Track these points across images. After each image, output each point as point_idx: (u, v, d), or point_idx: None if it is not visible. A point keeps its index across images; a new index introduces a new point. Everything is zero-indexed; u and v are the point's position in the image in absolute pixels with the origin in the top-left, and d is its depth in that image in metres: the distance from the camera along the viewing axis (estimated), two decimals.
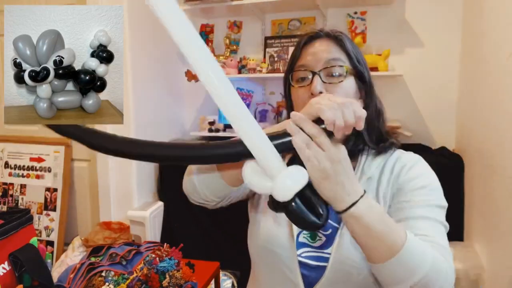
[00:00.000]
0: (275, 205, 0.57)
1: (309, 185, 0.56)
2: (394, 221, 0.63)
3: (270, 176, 0.54)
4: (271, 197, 0.56)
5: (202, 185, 0.75)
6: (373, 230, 0.59)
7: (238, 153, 0.54)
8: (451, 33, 2.20)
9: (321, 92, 0.76)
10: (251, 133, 0.52)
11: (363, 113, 0.56)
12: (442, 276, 0.62)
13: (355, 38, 2.20)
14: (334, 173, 0.56)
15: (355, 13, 2.33)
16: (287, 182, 0.53)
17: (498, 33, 1.59)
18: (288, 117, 0.87)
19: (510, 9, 1.47)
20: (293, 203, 0.54)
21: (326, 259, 0.78)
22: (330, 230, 0.80)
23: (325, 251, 0.79)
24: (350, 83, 0.79)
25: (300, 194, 0.54)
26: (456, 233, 1.96)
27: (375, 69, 2.12)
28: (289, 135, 0.55)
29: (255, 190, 0.56)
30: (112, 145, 0.53)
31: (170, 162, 0.54)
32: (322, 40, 0.82)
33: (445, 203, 0.75)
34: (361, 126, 0.56)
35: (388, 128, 0.86)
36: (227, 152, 0.54)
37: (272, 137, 0.55)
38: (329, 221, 0.80)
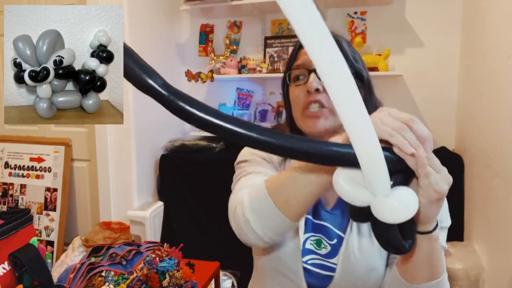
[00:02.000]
0: (361, 215, 0.52)
1: None
2: None
3: (374, 193, 0.48)
4: (353, 206, 0.51)
5: (261, 224, 0.65)
6: (436, 251, 0.60)
7: (344, 158, 0.47)
8: (451, 33, 2.20)
9: (317, 89, 0.76)
10: (370, 144, 0.45)
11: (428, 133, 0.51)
12: None
13: (355, 38, 2.20)
14: (445, 196, 0.54)
15: (355, 13, 2.33)
16: (402, 207, 0.47)
17: (498, 33, 1.59)
18: (288, 119, 0.87)
19: (510, 9, 1.47)
20: (387, 224, 0.49)
21: (331, 269, 0.77)
22: (335, 240, 0.79)
23: (330, 260, 0.78)
24: None
25: None
26: (456, 233, 1.96)
27: (375, 69, 2.12)
28: (394, 154, 0.50)
29: (348, 200, 0.51)
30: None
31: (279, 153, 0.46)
32: None
33: (449, 223, 0.75)
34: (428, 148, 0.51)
35: None
36: (332, 153, 0.46)
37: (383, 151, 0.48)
38: (334, 229, 0.79)
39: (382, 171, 0.47)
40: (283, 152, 0.47)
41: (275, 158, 0.86)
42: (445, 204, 0.76)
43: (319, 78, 0.77)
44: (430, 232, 0.58)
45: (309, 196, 0.61)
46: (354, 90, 0.42)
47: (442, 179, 0.52)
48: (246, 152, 0.87)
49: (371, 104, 0.83)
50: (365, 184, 0.48)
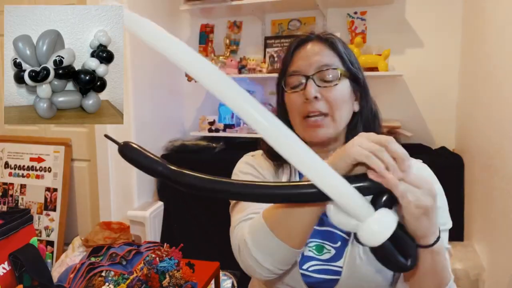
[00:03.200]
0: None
1: (399, 224, 0.52)
2: None
3: (357, 219, 0.51)
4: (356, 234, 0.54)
5: (269, 259, 0.66)
6: (440, 262, 0.60)
7: (316, 196, 0.51)
8: (451, 33, 2.19)
9: (316, 97, 0.75)
10: (332, 181, 0.48)
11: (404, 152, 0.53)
12: None
13: (355, 38, 2.20)
14: (432, 208, 0.53)
15: (355, 13, 2.33)
16: (376, 229, 0.50)
17: (498, 33, 1.59)
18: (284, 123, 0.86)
19: (510, 9, 1.47)
20: (382, 246, 0.51)
21: (336, 272, 0.76)
22: (339, 243, 0.78)
23: (334, 264, 0.77)
24: (344, 85, 0.78)
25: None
26: (456, 233, 1.96)
27: (375, 69, 2.12)
28: (367, 177, 0.52)
29: (341, 228, 0.54)
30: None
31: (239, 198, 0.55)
32: (313, 43, 0.80)
33: (450, 225, 0.75)
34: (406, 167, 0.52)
35: (383, 131, 0.84)
36: (304, 192, 0.52)
37: (352, 179, 0.52)
38: (338, 232, 0.79)
39: (355, 200, 0.50)
40: (261, 200, 0.55)
41: (268, 176, 0.84)
42: (445, 206, 0.75)
43: (317, 85, 0.76)
44: (431, 245, 0.57)
45: (307, 225, 0.63)
46: (298, 143, 0.49)
47: (424, 193, 0.52)
48: (239, 173, 0.85)
49: (368, 106, 0.82)
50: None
